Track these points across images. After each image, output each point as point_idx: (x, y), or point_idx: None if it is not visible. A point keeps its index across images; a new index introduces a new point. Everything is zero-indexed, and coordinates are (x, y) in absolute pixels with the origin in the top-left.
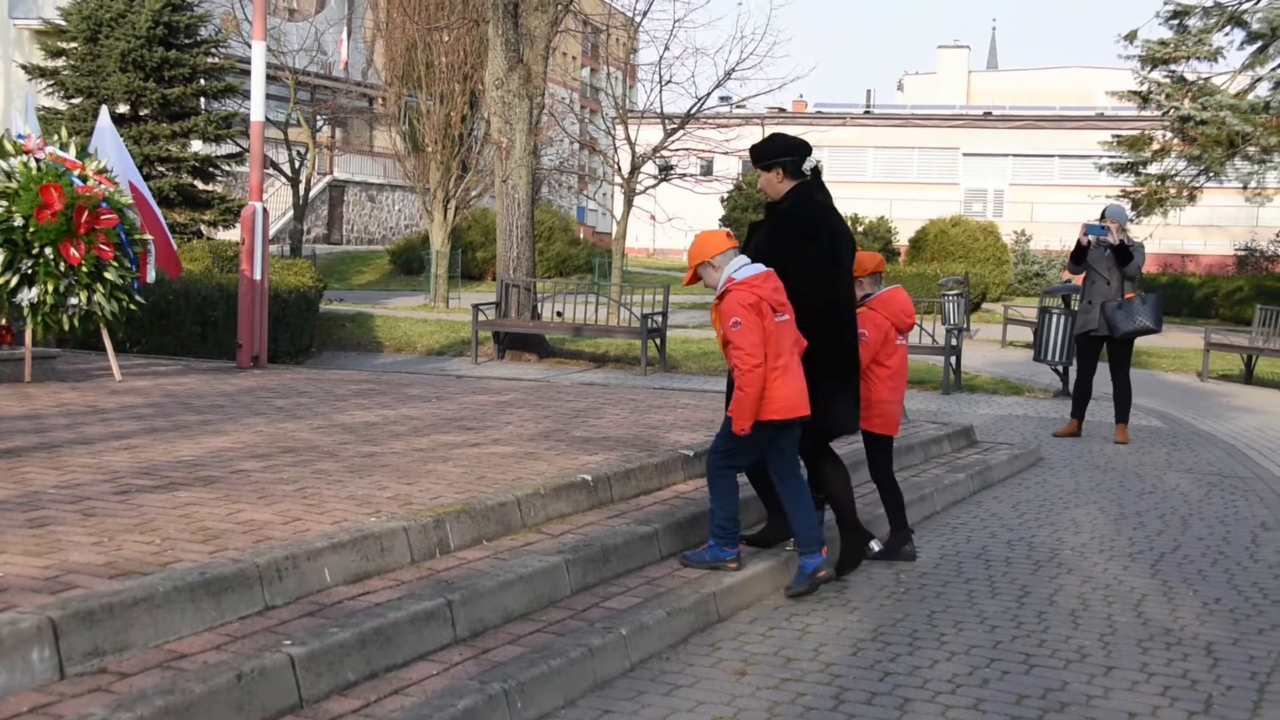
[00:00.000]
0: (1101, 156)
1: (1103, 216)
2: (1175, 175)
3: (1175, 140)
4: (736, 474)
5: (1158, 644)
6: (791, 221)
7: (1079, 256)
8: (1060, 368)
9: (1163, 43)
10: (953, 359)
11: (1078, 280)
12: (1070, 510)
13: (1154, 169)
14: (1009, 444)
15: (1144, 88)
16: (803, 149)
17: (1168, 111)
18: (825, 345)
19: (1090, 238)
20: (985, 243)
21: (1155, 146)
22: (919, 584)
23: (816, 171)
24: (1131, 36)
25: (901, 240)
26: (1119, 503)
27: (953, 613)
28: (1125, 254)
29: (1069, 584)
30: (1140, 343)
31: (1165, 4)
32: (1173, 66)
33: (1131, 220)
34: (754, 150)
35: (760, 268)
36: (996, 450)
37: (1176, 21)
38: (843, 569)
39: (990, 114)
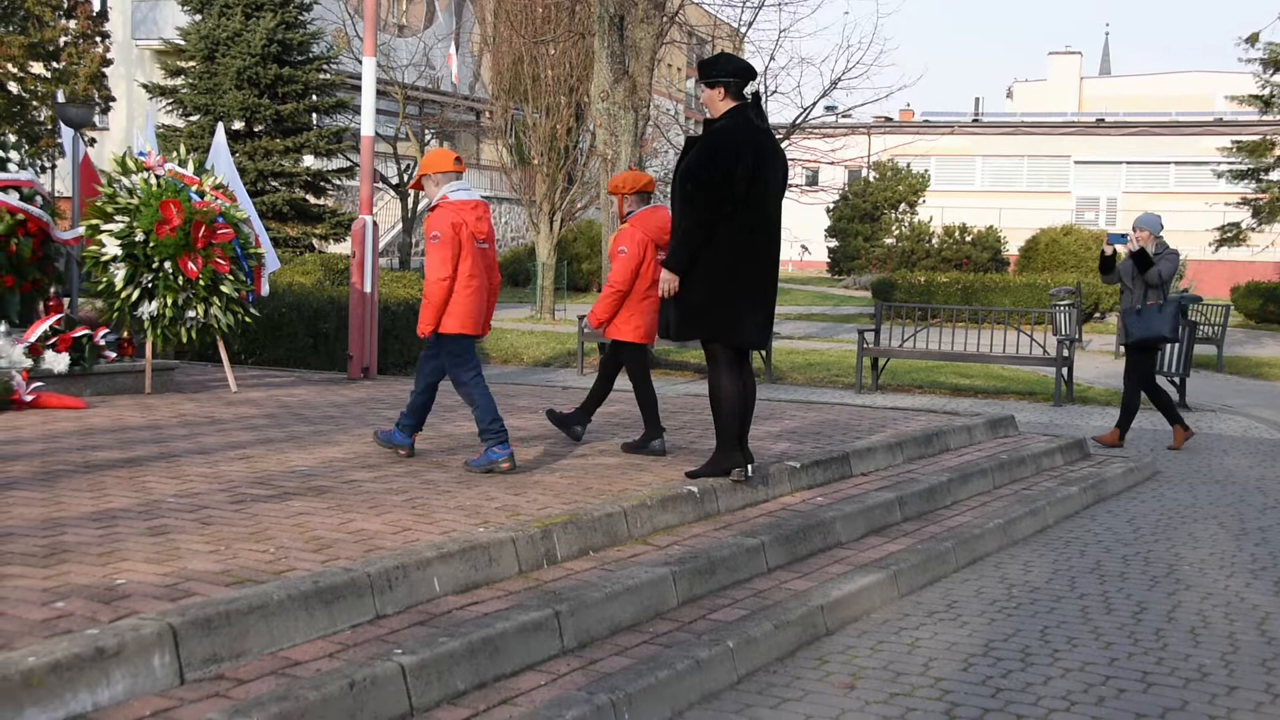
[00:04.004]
0: (1220, 163)
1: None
2: None
3: None
4: (479, 379)
5: None
6: (723, 138)
7: (1106, 267)
8: (1176, 379)
9: None
10: (1064, 370)
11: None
12: (1188, 525)
13: (1275, 175)
14: (1123, 457)
15: (1265, 91)
16: (748, 73)
17: None
18: (743, 261)
19: (1113, 246)
20: (1098, 252)
21: (1278, 152)
22: (1031, 599)
23: (757, 96)
24: (1253, 39)
25: (1011, 249)
26: (1240, 518)
27: (1066, 628)
28: (1144, 261)
29: (1188, 600)
30: (1262, 354)
31: None
32: None
33: (1255, 229)
34: (702, 65)
35: (474, 195)
36: (1110, 463)
37: None
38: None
39: (1103, 121)
